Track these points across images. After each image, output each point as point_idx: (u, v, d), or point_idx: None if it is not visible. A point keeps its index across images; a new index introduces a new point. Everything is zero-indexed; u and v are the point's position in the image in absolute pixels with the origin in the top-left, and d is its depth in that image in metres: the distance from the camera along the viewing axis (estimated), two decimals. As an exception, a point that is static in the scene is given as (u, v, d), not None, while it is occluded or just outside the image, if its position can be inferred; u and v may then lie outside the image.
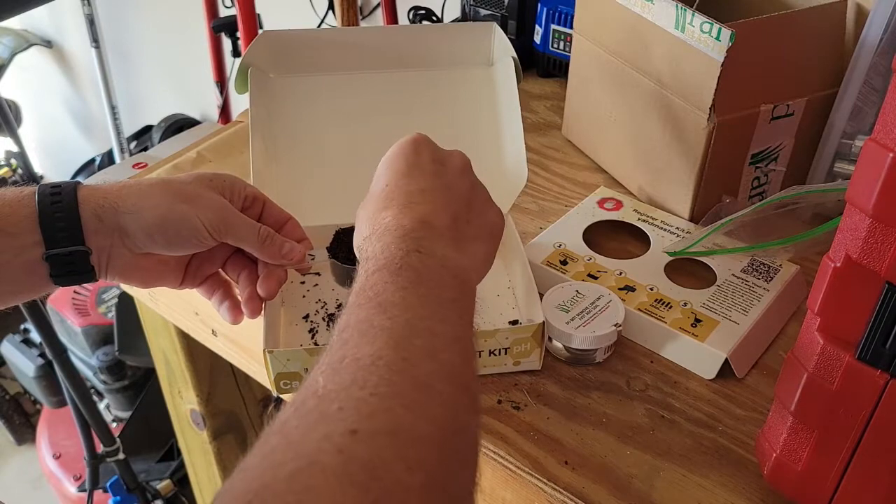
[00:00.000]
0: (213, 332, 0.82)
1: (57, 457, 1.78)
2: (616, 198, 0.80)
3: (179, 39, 2.07)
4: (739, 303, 0.66)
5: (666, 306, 0.65)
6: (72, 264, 0.53)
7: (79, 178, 2.16)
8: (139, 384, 1.85)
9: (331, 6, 1.53)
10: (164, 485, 1.54)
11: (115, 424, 1.83)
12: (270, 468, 0.31)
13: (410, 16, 1.31)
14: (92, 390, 1.65)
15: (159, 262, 0.58)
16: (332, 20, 1.52)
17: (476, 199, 0.53)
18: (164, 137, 2.01)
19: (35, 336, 1.97)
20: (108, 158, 2.23)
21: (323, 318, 0.68)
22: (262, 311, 0.61)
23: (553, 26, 1.02)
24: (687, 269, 0.71)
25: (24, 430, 2.12)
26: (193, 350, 0.96)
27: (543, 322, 0.60)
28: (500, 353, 0.61)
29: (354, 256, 0.63)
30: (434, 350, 0.39)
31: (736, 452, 0.57)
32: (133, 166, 0.89)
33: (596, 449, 0.57)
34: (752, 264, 0.70)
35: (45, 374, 1.91)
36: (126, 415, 1.83)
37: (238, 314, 0.61)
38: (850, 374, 0.44)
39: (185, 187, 0.56)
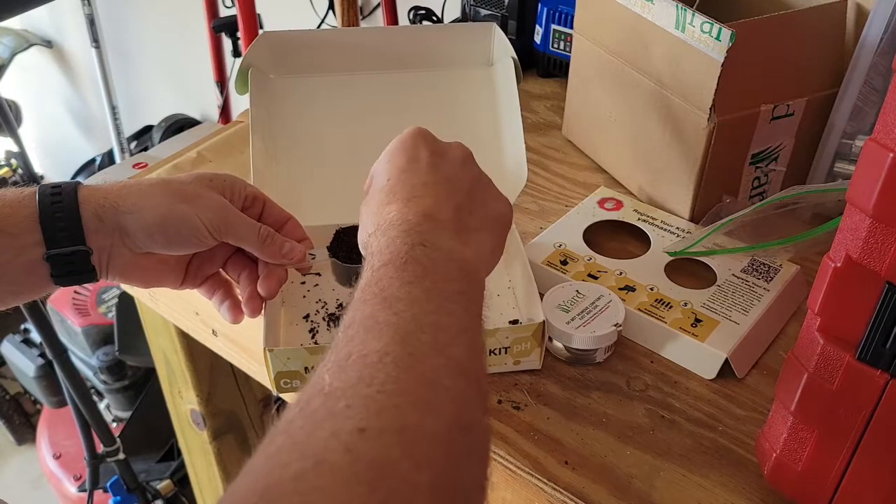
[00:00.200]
0: (214, 332, 0.82)
1: (57, 457, 1.78)
2: (616, 198, 0.80)
3: (179, 39, 2.07)
4: (739, 303, 0.66)
5: (666, 306, 0.65)
6: (72, 264, 0.53)
7: (79, 178, 2.15)
8: (139, 384, 1.85)
9: (331, 6, 1.53)
10: (164, 485, 1.54)
11: (115, 424, 1.83)
12: (276, 468, 0.31)
13: (410, 16, 1.30)
14: (92, 390, 1.65)
15: (159, 261, 0.58)
16: (333, 20, 1.52)
17: (479, 189, 0.52)
18: (164, 137, 2.01)
19: (35, 336, 1.97)
20: (108, 158, 2.23)
21: (323, 318, 0.68)
22: (263, 311, 0.61)
23: (553, 26, 1.02)
24: (687, 269, 0.71)
25: (24, 430, 2.12)
26: (193, 350, 0.96)
27: (544, 321, 0.60)
28: (500, 353, 0.61)
29: (355, 255, 0.63)
30: (441, 344, 0.39)
31: (736, 452, 0.57)
32: (133, 166, 0.89)
33: (596, 449, 0.57)
34: (753, 264, 0.70)
35: (46, 374, 1.91)
36: (126, 415, 1.83)
37: (239, 314, 0.61)
38: (850, 374, 0.44)
39: (186, 187, 0.56)
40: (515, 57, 0.73)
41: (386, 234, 0.46)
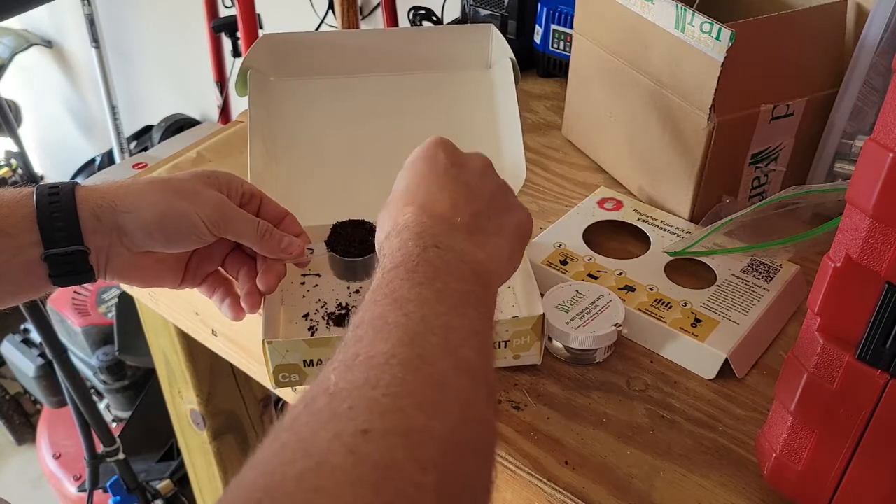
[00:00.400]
0: (213, 332, 0.82)
1: (57, 457, 1.78)
2: (616, 198, 0.80)
3: (179, 39, 2.07)
4: (739, 303, 0.66)
5: (666, 306, 0.65)
6: (70, 264, 0.53)
7: (79, 178, 2.15)
8: (139, 384, 1.85)
9: (331, 6, 1.53)
10: (164, 485, 1.54)
11: (115, 424, 1.83)
12: (280, 465, 0.31)
13: (410, 16, 1.30)
14: (92, 390, 1.65)
15: (158, 260, 0.58)
16: (333, 20, 1.51)
17: (499, 197, 0.53)
18: (164, 137, 2.01)
19: (35, 336, 1.97)
20: (108, 158, 2.23)
21: (323, 317, 0.68)
22: (261, 307, 0.61)
23: (553, 26, 1.02)
24: (687, 269, 0.71)
25: (24, 430, 2.12)
26: (193, 350, 0.96)
27: (543, 315, 0.60)
28: (499, 346, 0.61)
29: (353, 249, 0.64)
30: (450, 346, 0.39)
31: (736, 452, 0.57)
32: (133, 166, 0.89)
33: (596, 449, 0.57)
34: (752, 264, 0.70)
35: (45, 374, 1.91)
36: (126, 415, 1.83)
37: (240, 311, 0.61)
38: (850, 374, 0.44)
39: (183, 184, 0.56)
40: (513, 58, 0.73)
41: (400, 236, 0.46)
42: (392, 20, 1.41)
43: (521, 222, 0.53)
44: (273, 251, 0.60)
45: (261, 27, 1.47)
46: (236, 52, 1.68)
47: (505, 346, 0.61)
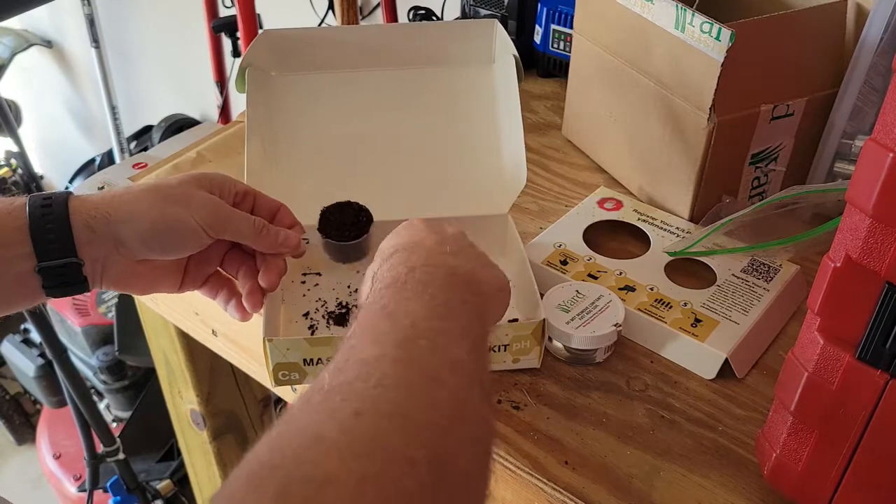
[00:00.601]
0: (213, 332, 0.82)
1: (57, 457, 1.78)
2: (616, 198, 0.80)
3: (179, 39, 2.07)
4: (739, 303, 0.66)
5: (666, 306, 0.65)
6: (64, 276, 0.53)
7: (79, 178, 2.15)
8: (139, 384, 1.85)
9: (331, 6, 1.53)
10: (164, 485, 1.54)
11: (115, 424, 1.83)
12: (278, 447, 0.32)
13: (410, 16, 1.31)
14: (92, 390, 1.65)
15: (155, 267, 0.58)
16: (332, 20, 1.51)
17: (483, 257, 0.55)
18: (164, 137, 2.01)
19: (35, 336, 1.97)
20: (108, 158, 2.23)
21: (323, 316, 0.68)
22: (263, 306, 0.61)
23: (553, 26, 1.02)
24: (687, 269, 0.71)
25: (24, 430, 2.12)
26: (193, 350, 0.96)
27: (543, 320, 0.60)
28: (499, 350, 0.61)
29: (346, 233, 0.64)
30: (440, 347, 0.40)
31: (736, 452, 0.57)
32: (133, 166, 0.89)
33: (596, 449, 0.57)
34: (752, 264, 0.70)
35: (45, 374, 1.91)
36: (126, 415, 1.83)
37: (246, 311, 0.61)
38: (850, 374, 0.44)
39: (175, 189, 0.56)
40: (517, 55, 0.73)
41: (388, 263, 0.48)
42: (392, 20, 1.41)
43: (502, 276, 0.55)
44: (271, 246, 0.60)
45: (261, 27, 1.47)
46: (236, 52, 1.68)
47: (504, 350, 0.61)
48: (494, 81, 0.76)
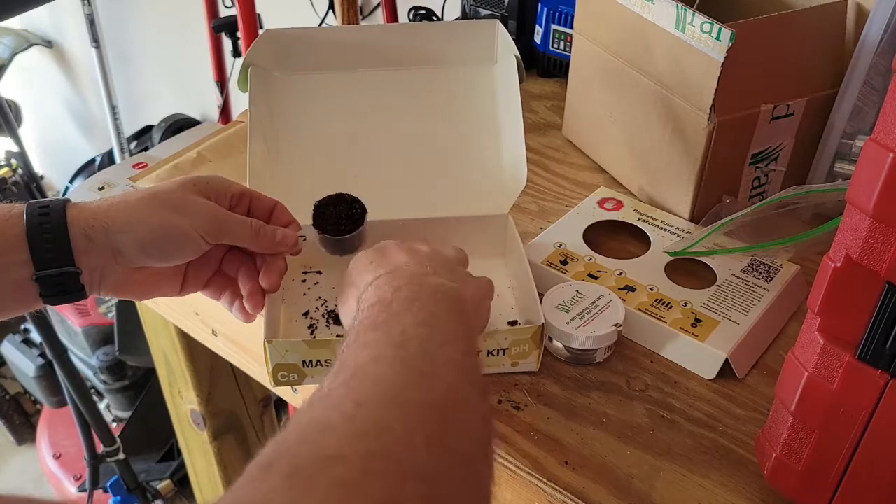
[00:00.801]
0: (213, 332, 0.82)
1: (57, 457, 1.78)
2: (616, 198, 0.80)
3: (179, 39, 2.07)
4: (739, 303, 0.66)
5: (666, 306, 0.65)
6: (62, 284, 0.53)
7: (79, 179, 2.15)
8: (139, 384, 1.85)
9: (331, 6, 1.53)
10: (164, 485, 1.54)
11: (115, 424, 1.83)
12: (287, 441, 0.34)
13: (410, 16, 1.31)
14: (92, 390, 1.65)
15: (154, 273, 0.58)
16: (333, 20, 1.51)
17: (458, 265, 0.56)
18: (164, 137, 2.01)
19: (35, 336, 1.97)
20: (108, 158, 2.23)
21: (323, 315, 0.68)
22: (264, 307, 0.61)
23: (553, 26, 1.02)
24: (687, 269, 0.71)
25: (24, 430, 2.12)
26: (193, 350, 0.96)
27: (543, 324, 0.60)
28: (498, 354, 0.61)
29: (342, 226, 0.64)
30: (431, 349, 0.42)
31: (736, 452, 0.57)
32: (133, 166, 0.89)
33: (596, 449, 0.57)
34: (753, 264, 0.70)
35: (46, 374, 1.91)
36: (126, 415, 1.84)
37: (249, 314, 0.61)
38: (850, 374, 0.44)
39: (172, 196, 0.56)
40: (518, 55, 0.73)
41: (374, 285, 0.49)
42: (392, 19, 1.41)
43: (484, 281, 0.57)
44: (269, 247, 0.60)
45: (261, 27, 1.47)
46: (236, 52, 1.68)
47: (503, 354, 0.61)
48: (495, 82, 0.76)
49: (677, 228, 0.75)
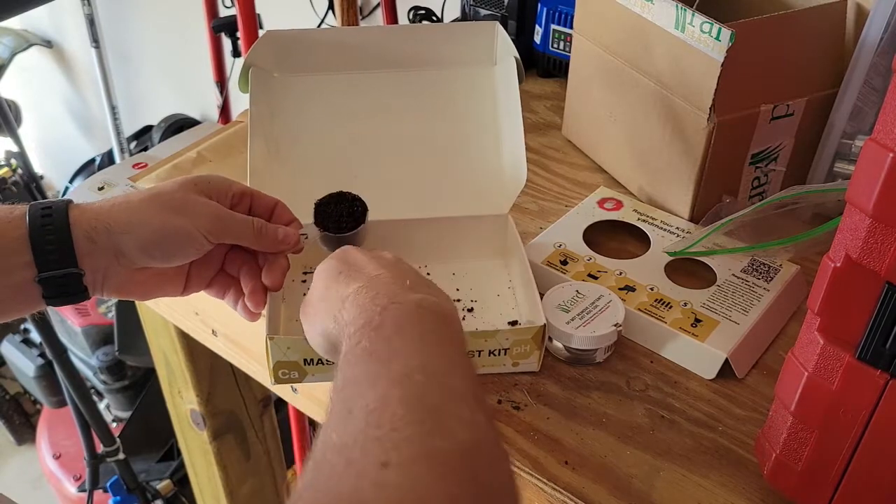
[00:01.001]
0: (213, 332, 0.82)
1: (57, 457, 1.78)
2: (616, 198, 0.80)
3: (179, 39, 2.07)
4: (739, 303, 0.66)
5: (666, 306, 0.65)
6: (65, 286, 0.53)
7: (79, 179, 2.15)
8: (139, 384, 1.85)
9: (331, 6, 1.53)
10: (164, 485, 1.54)
11: (115, 424, 1.83)
12: None
13: (410, 16, 1.31)
14: (92, 390, 1.65)
15: (156, 274, 0.58)
16: (332, 20, 1.51)
17: (430, 283, 0.54)
18: (164, 137, 2.01)
19: (35, 336, 1.97)
20: (108, 158, 2.23)
21: (323, 317, 0.68)
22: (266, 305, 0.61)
23: (553, 26, 1.02)
24: (687, 269, 0.71)
25: (24, 430, 2.12)
26: (193, 350, 0.96)
27: (544, 325, 0.60)
28: (499, 354, 0.61)
29: (345, 224, 0.64)
30: (436, 380, 0.40)
31: (736, 452, 0.57)
32: (133, 166, 0.89)
33: (596, 449, 0.57)
34: (752, 264, 0.70)
35: (45, 374, 1.91)
36: (126, 415, 1.84)
37: (252, 312, 0.61)
38: (850, 374, 0.44)
39: (174, 196, 0.56)
40: (518, 56, 0.73)
41: (355, 302, 0.47)
42: (392, 20, 1.41)
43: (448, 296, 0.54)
44: (271, 246, 0.60)
45: (261, 27, 1.47)
46: (236, 52, 1.68)
47: (504, 354, 0.61)
48: (495, 83, 0.76)
49: (677, 228, 0.75)
